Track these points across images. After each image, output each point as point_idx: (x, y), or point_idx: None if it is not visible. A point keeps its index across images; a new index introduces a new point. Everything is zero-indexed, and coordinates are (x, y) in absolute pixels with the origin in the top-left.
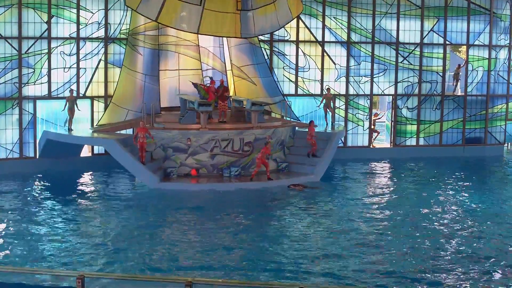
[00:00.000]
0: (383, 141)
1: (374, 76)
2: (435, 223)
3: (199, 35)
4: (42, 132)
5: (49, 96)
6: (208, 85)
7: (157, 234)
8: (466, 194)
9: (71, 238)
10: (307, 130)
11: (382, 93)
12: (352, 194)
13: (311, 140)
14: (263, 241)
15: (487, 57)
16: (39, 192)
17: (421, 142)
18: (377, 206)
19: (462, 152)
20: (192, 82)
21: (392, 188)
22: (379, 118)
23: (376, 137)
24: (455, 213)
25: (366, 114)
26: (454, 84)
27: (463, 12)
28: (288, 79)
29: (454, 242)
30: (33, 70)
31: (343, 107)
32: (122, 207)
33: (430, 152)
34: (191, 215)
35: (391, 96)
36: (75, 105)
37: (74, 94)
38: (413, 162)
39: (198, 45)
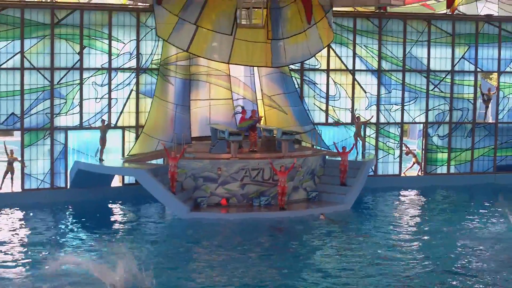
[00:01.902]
0: (414, 170)
1: (405, 104)
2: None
3: (230, 64)
4: (73, 162)
5: (80, 127)
6: (240, 114)
7: (187, 267)
8: (496, 223)
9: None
10: (339, 158)
11: (413, 121)
12: (382, 224)
13: (343, 166)
14: (292, 276)
15: None
16: (70, 222)
17: (452, 170)
18: (407, 238)
19: (493, 179)
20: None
21: (422, 219)
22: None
23: (412, 165)
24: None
25: (397, 142)
26: (485, 104)
27: (494, 39)
28: (319, 108)
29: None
30: (65, 101)
31: (374, 135)
32: (152, 238)
33: (461, 180)
34: (222, 247)
35: (422, 124)
36: (106, 135)
37: (106, 124)
38: (444, 190)
39: (229, 75)
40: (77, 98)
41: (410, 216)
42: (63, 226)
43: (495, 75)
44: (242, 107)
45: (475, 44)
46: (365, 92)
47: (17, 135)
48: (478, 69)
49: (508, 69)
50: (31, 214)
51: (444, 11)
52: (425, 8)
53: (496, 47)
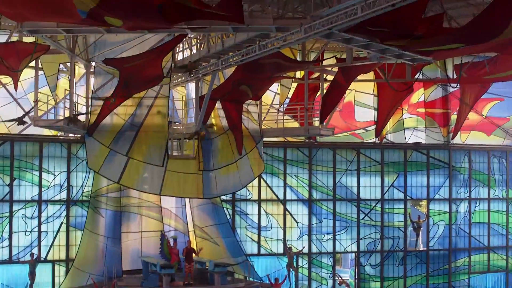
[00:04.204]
0: None
1: (336, 233)
2: None
3: (161, 196)
4: None
5: (9, 261)
6: (172, 245)
7: None
8: None
9: None
10: None
11: (345, 250)
12: None
13: None
14: None
15: (448, 210)
16: None
17: None
18: None
19: None
20: (162, 232)
21: None
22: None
23: None
24: None
25: (330, 272)
26: (415, 231)
27: (422, 167)
28: (251, 238)
29: None
30: None
31: (306, 266)
32: None
33: None
34: None
35: (354, 253)
36: (35, 269)
37: (35, 257)
38: None
39: (161, 206)
40: (6, 231)
41: None
42: None
43: (424, 203)
44: (175, 239)
45: (404, 172)
46: (297, 222)
47: None
48: (408, 197)
49: (437, 197)
50: None
51: (373, 140)
52: (353, 137)
53: (425, 175)
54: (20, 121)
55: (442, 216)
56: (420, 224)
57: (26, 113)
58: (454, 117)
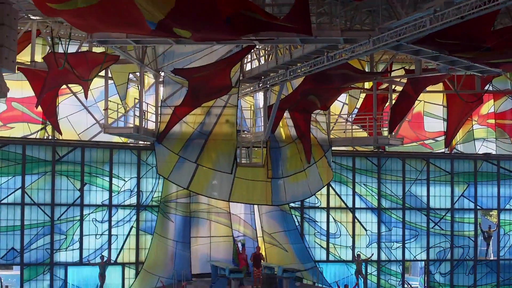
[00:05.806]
0: None
1: (405, 241)
2: None
3: (230, 202)
4: None
5: (80, 262)
6: (240, 251)
7: None
8: None
9: None
10: None
11: (414, 258)
12: None
13: None
14: None
15: None
16: None
17: None
18: None
19: None
20: (234, 238)
21: None
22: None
23: None
24: None
25: (399, 280)
26: (486, 241)
27: (493, 177)
28: (320, 245)
29: None
30: (65, 237)
31: (375, 273)
32: None
33: None
34: None
35: (423, 262)
36: (105, 271)
37: (105, 260)
38: None
39: (229, 212)
40: (77, 234)
41: None
42: None
43: (495, 213)
44: (243, 244)
45: (474, 182)
46: (366, 230)
47: (16, 270)
48: (478, 207)
49: (507, 207)
50: None
51: (442, 150)
52: (423, 147)
53: (495, 185)
54: None
55: None
56: (491, 234)
57: None
58: None
